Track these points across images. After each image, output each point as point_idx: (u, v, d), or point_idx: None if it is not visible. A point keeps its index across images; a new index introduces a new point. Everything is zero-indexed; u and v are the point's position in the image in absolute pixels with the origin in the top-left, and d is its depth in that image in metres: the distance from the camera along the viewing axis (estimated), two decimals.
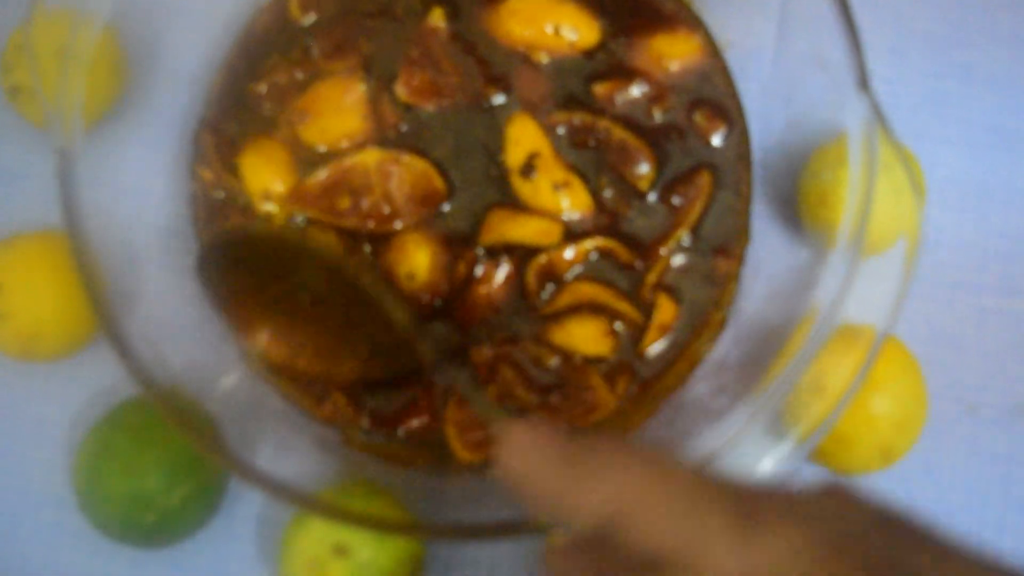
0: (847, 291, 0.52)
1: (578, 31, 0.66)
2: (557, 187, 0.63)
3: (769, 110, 0.66)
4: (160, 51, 0.66)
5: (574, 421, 0.62)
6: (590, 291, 0.63)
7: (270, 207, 0.65)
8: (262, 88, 0.66)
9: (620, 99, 0.65)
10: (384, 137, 0.65)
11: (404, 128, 0.65)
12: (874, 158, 0.53)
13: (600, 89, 0.65)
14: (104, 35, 0.59)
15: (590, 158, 0.64)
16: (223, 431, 0.57)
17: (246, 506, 0.64)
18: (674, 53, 0.67)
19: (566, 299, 0.63)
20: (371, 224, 0.63)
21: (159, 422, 0.58)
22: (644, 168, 0.64)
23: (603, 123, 0.64)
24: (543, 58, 0.66)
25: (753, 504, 0.35)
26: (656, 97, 0.65)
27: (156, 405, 0.52)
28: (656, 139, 0.65)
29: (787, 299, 0.59)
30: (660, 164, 0.65)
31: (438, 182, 0.64)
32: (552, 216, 0.64)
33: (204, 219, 0.65)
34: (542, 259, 0.63)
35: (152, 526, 0.58)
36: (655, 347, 0.63)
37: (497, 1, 0.67)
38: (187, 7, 0.67)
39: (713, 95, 0.66)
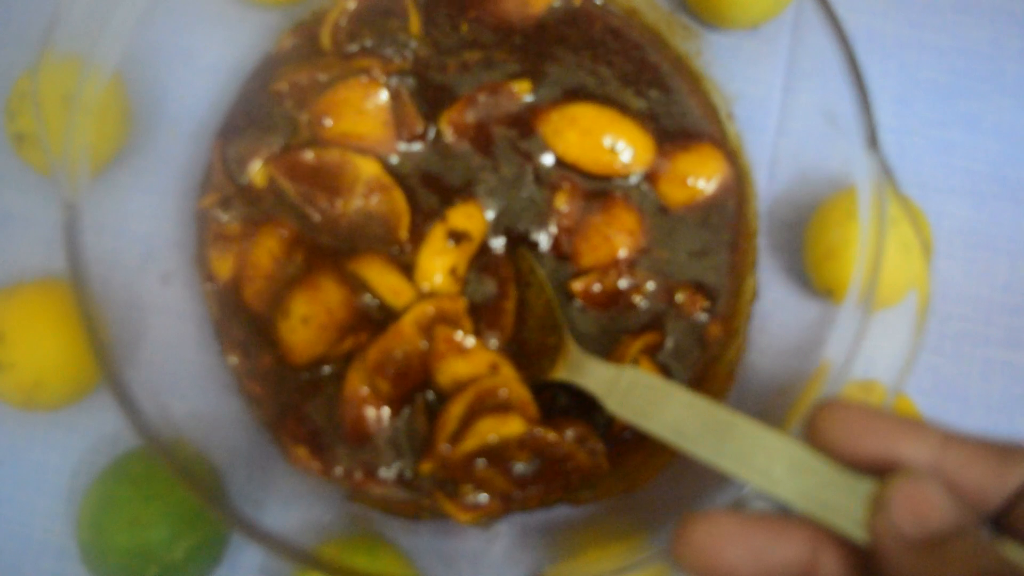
0: (858, 348, 0.52)
1: (634, 150, 0.65)
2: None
3: (776, 161, 0.66)
4: (165, 98, 0.66)
5: (570, 488, 0.61)
6: None
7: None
8: (283, 86, 0.66)
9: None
10: (401, 148, 0.65)
11: (421, 144, 0.65)
12: (884, 217, 0.52)
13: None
14: (111, 82, 0.59)
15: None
16: (227, 482, 0.56)
17: (249, 557, 0.64)
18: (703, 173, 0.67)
19: None
20: (333, 223, 0.64)
21: (163, 474, 0.57)
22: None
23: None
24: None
25: None
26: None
27: (159, 458, 0.52)
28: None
29: (796, 355, 0.59)
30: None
31: (404, 231, 0.63)
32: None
33: (201, 265, 0.65)
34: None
35: None
36: None
37: (563, 104, 0.66)
38: (194, 54, 0.67)
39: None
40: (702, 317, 0.64)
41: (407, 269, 0.62)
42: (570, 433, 0.59)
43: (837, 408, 0.41)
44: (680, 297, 0.64)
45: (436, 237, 0.62)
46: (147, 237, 0.64)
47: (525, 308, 0.63)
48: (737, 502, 0.51)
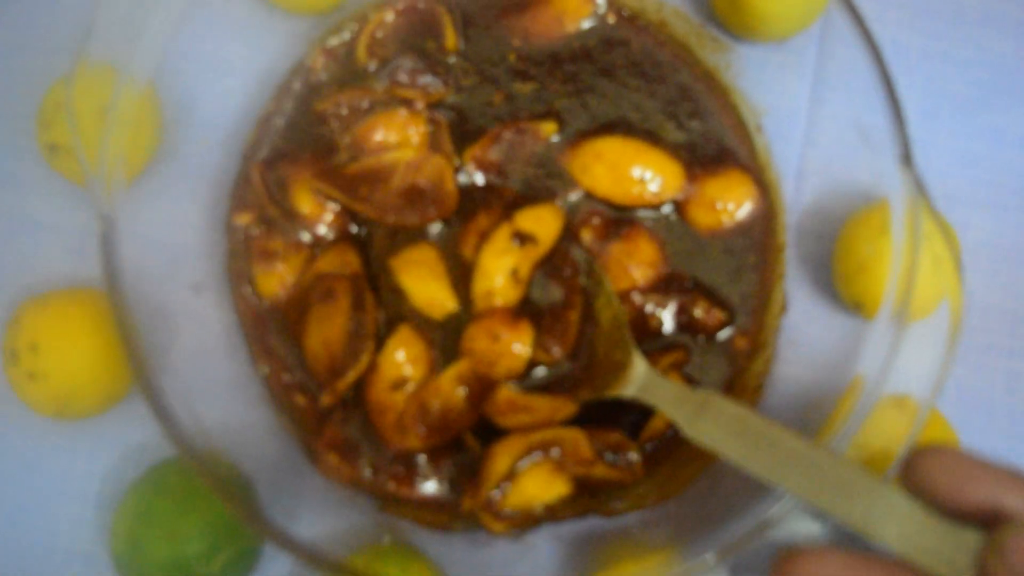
0: (892, 363, 0.52)
1: (663, 178, 0.66)
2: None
3: (804, 174, 0.66)
4: (194, 106, 0.66)
5: (602, 497, 0.62)
6: None
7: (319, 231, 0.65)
8: (327, 107, 0.66)
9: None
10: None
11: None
12: (918, 233, 0.53)
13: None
14: (144, 92, 0.59)
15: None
16: (258, 492, 0.56)
17: (279, 567, 0.64)
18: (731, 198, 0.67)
19: None
20: (389, 218, 0.64)
21: (199, 486, 0.57)
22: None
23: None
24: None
25: None
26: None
27: (195, 469, 0.52)
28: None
29: (826, 368, 0.59)
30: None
31: (451, 187, 0.64)
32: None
33: (239, 278, 0.65)
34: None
35: None
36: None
37: (589, 139, 0.67)
38: (223, 62, 0.67)
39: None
40: (723, 329, 0.64)
41: (467, 268, 0.62)
42: (608, 440, 0.60)
43: (940, 455, 0.42)
44: (698, 312, 0.64)
45: (500, 237, 0.62)
46: (177, 246, 0.64)
47: (591, 320, 0.62)
48: (766, 520, 0.51)
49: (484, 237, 0.62)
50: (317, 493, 0.61)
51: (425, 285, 0.62)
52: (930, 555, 0.41)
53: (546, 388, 0.62)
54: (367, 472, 0.61)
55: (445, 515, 0.61)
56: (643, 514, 0.61)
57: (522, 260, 0.62)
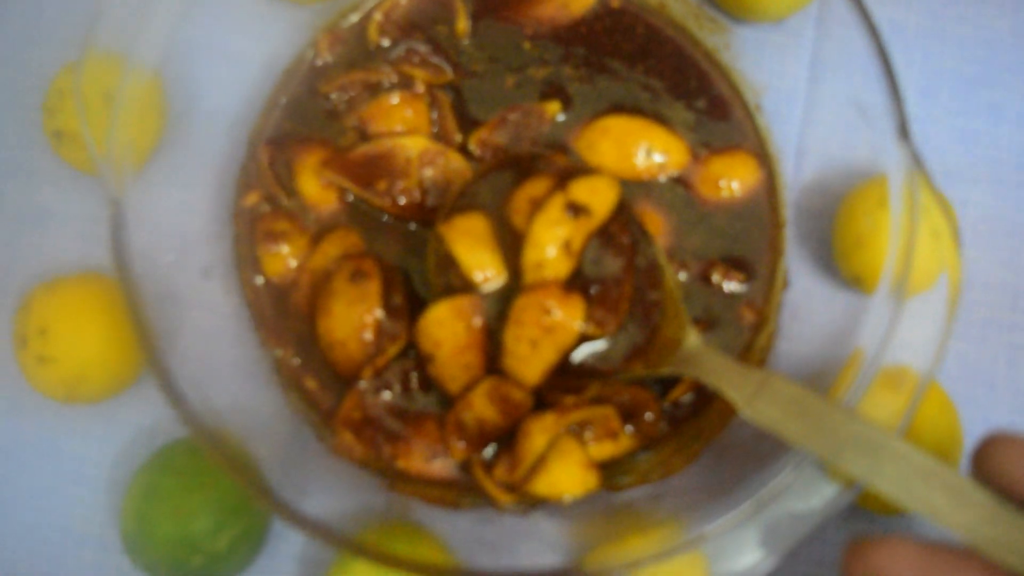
0: (891, 336, 0.53)
1: (668, 154, 0.67)
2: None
3: (803, 152, 0.67)
4: (200, 93, 0.67)
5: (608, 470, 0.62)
6: None
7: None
8: (332, 89, 0.67)
9: None
10: None
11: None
12: (916, 206, 0.53)
13: None
14: (151, 79, 0.59)
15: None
16: (268, 472, 0.57)
17: (289, 545, 0.65)
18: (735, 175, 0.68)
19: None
20: (403, 201, 0.64)
21: (207, 464, 0.58)
22: None
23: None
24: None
25: None
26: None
27: (204, 447, 0.53)
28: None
29: (827, 342, 0.59)
30: None
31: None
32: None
33: (246, 261, 0.66)
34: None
35: (198, 569, 0.59)
36: (685, 396, 0.64)
37: (595, 118, 0.68)
38: (227, 49, 0.68)
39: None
40: (742, 289, 0.65)
41: (517, 237, 0.60)
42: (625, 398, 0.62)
43: (1013, 442, 0.41)
44: (716, 277, 0.65)
45: (554, 207, 0.60)
46: (186, 231, 0.65)
47: (639, 294, 0.61)
48: (771, 490, 0.51)
49: (536, 205, 0.60)
50: (326, 472, 0.62)
51: (475, 254, 0.60)
52: (1001, 546, 0.40)
53: (596, 364, 0.60)
54: (385, 451, 0.62)
55: (454, 492, 0.62)
56: (648, 488, 0.62)
57: (575, 232, 0.60)
